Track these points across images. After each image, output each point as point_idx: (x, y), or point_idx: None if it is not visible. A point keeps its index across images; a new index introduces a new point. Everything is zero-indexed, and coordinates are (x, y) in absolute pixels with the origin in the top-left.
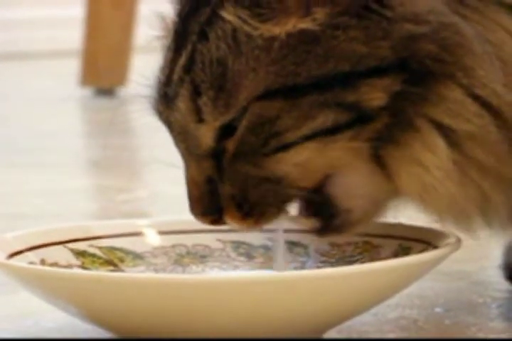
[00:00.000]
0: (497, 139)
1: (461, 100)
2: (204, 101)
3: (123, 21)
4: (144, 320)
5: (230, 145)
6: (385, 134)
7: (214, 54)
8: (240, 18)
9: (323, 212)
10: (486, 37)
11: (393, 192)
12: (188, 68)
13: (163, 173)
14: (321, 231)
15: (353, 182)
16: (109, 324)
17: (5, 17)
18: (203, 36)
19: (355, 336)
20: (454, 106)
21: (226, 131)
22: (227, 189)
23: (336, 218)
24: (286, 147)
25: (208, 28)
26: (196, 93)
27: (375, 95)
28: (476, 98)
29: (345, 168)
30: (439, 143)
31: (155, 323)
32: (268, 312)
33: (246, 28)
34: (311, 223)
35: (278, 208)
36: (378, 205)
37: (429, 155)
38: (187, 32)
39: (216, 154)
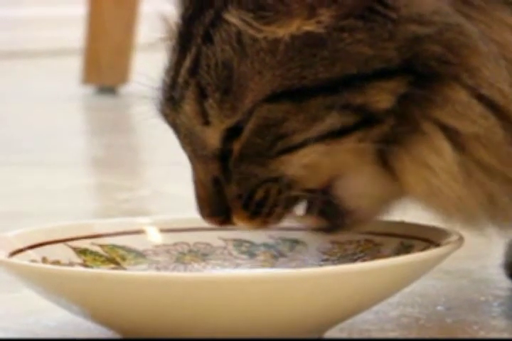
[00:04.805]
0: (502, 140)
1: (466, 101)
2: (210, 103)
3: (125, 20)
4: (146, 318)
5: (236, 146)
6: (392, 137)
7: (219, 57)
8: (243, 20)
9: (329, 212)
10: (491, 36)
11: (398, 192)
12: (193, 71)
13: (165, 172)
14: (327, 230)
15: (358, 183)
16: (110, 322)
17: (7, 16)
18: (208, 39)
19: (356, 334)
20: (459, 107)
21: (232, 132)
22: (233, 189)
23: (341, 218)
24: (292, 149)
25: (213, 31)
26: (202, 96)
27: (381, 97)
28: (482, 99)
29: (351, 169)
30: (445, 145)
31: (157, 321)
32: (269, 310)
33: (250, 30)
34: (317, 222)
35: (284, 208)
36: (382, 204)
37: (435, 158)
38: (191, 34)
39: (222, 155)
